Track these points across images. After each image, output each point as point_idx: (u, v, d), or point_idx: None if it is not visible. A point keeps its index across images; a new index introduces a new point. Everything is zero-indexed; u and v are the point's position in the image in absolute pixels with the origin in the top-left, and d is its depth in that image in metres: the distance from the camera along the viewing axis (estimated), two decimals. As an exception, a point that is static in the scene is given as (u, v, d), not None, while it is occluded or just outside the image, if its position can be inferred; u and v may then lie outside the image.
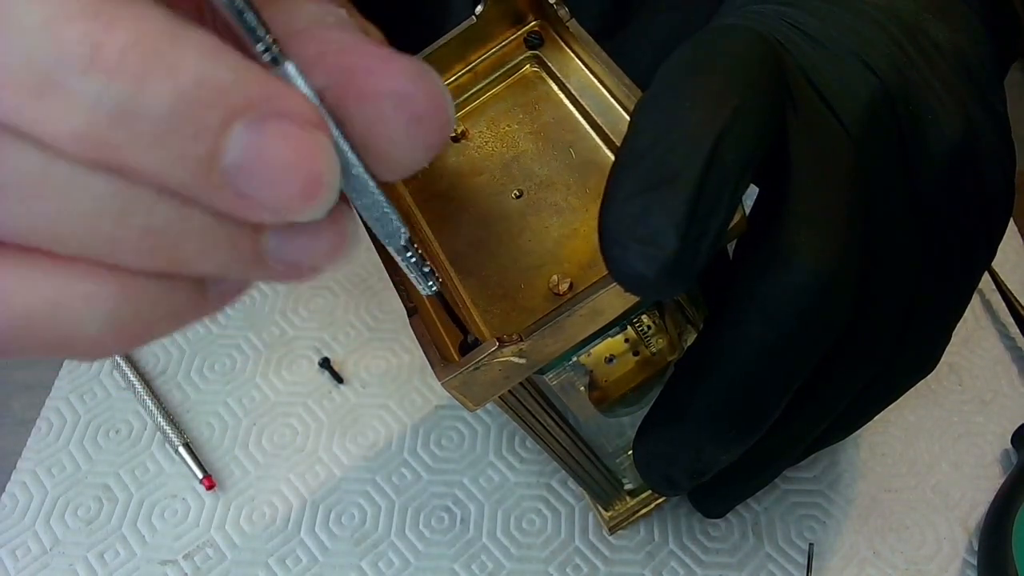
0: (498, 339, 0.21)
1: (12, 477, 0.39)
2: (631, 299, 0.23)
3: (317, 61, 0.15)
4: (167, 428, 0.40)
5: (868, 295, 0.25)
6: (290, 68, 0.15)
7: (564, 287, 0.24)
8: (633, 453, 0.28)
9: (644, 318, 0.29)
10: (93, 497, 0.38)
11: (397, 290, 0.22)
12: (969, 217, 0.27)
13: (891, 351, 0.27)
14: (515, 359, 0.22)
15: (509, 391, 0.24)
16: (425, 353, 0.23)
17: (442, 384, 0.22)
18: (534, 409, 0.27)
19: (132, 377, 0.42)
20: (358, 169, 0.15)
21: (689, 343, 0.28)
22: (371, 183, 0.16)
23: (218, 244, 0.15)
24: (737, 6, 0.29)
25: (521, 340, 0.22)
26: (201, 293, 0.17)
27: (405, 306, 0.24)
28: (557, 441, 0.29)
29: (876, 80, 0.26)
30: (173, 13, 0.13)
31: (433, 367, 0.22)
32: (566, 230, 0.25)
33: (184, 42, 0.13)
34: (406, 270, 0.18)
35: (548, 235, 0.25)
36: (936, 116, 0.26)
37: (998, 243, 0.29)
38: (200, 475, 0.38)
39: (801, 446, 0.29)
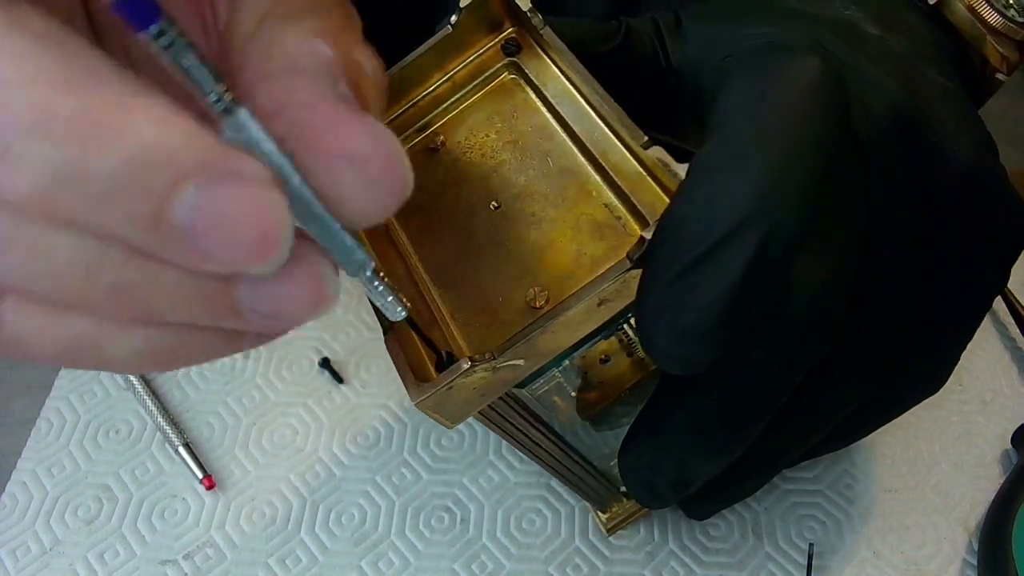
0: (470, 358, 0.21)
1: (12, 477, 0.39)
2: (605, 314, 0.23)
3: (278, 112, 0.16)
4: (167, 428, 0.40)
5: (864, 313, 0.25)
6: (242, 115, 0.15)
7: (541, 300, 0.23)
8: (618, 463, 0.28)
9: (634, 321, 0.29)
10: (93, 497, 0.38)
11: (373, 308, 0.22)
12: (980, 239, 0.27)
13: (890, 369, 0.27)
14: (489, 376, 0.22)
15: (489, 406, 0.24)
16: (399, 373, 0.22)
17: (415, 405, 0.21)
18: (517, 422, 0.27)
19: (132, 377, 0.42)
20: (317, 209, 0.16)
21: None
22: (332, 222, 0.16)
23: (189, 298, 0.16)
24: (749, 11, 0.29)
25: (494, 358, 0.22)
26: (227, 333, 0.17)
27: (380, 324, 0.24)
28: (545, 450, 0.29)
29: (892, 91, 0.25)
30: (133, 76, 0.14)
31: (407, 388, 0.22)
32: (543, 241, 0.25)
33: (134, 108, 0.14)
34: (374, 298, 0.19)
35: (526, 247, 0.25)
36: (950, 134, 0.26)
37: (1011, 265, 0.28)
38: (200, 475, 0.38)
39: (790, 456, 0.29)
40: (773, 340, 0.23)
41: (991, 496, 0.36)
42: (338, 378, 0.42)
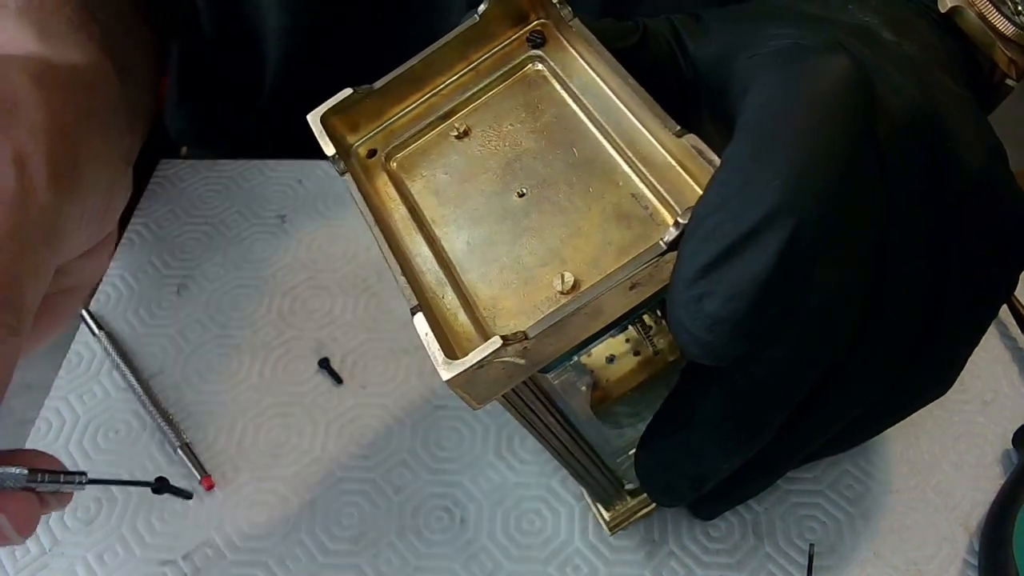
0: (503, 338, 0.21)
1: (12, 477, 0.39)
2: (634, 299, 0.23)
3: None
4: (167, 428, 0.40)
5: (876, 315, 0.25)
6: None
7: (568, 286, 0.24)
8: (635, 460, 0.28)
9: (645, 317, 0.29)
10: (93, 497, 0.38)
11: (400, 287, 0.22)
12: (989, 244, 0.27)
13: (899, 371, 0.27)
14: (518, 359, 0.22)
15: (512, 390, 0.24)
16: (429, 351, 0.22)
17: (446, 382, 0.22)
18: (536, 408, 0.27)
19: (132, 377, 0.42)
20: None
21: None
22: None
23: None
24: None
25: (526, 339, 0.22)
26: None
27: (408, 304, 0.24)
28: (559, 440, 0.29)
29: (910, 93, 0.26)
30: None
31: (437, 366, 0.22)
32: (569, 229, 0.25)
33: None
34: None
35: (551, 234, 0.25)
36: (963, 138, 0.26)
37: (1020, 271, 0.29)
38: (200, 475, 0.38)
39: (799, 456, 0.29)
40: (791, 338, 0.23)
41: (992, 496, 0.36)
42: (337, 378, 0.42)
